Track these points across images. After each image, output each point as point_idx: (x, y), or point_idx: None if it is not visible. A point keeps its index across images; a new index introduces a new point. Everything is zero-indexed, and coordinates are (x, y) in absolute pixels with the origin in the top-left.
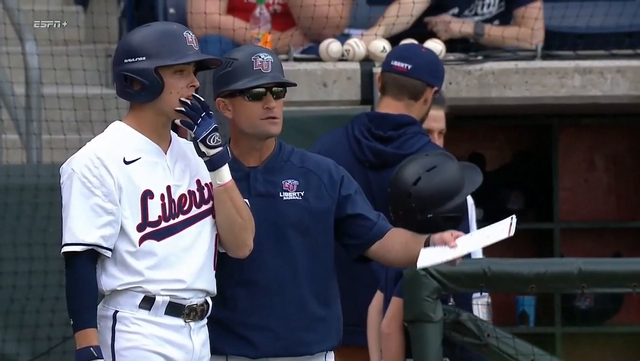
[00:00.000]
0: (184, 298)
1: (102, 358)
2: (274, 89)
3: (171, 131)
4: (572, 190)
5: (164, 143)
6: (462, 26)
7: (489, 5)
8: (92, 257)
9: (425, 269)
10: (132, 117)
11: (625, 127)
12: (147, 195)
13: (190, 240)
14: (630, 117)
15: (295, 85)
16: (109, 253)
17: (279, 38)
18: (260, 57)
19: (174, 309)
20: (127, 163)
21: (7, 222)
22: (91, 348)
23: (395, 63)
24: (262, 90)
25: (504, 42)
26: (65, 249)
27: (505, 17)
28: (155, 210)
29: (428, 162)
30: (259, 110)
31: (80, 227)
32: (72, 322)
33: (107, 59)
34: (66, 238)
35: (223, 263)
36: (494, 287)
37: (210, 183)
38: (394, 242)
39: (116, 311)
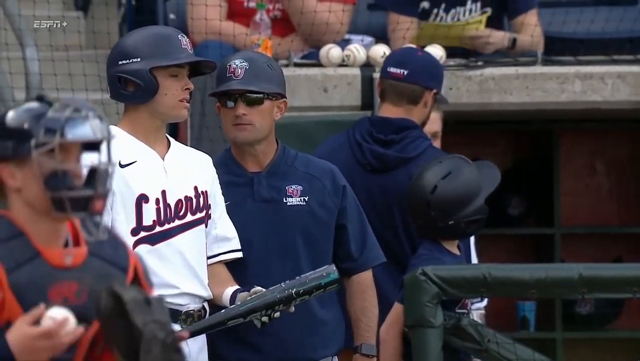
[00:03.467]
0: (181, 305)
1: None
2: (246, 95)
3: (170, 137)
4: (573, 195)
5: (160, 147)
6: (500, 40)
7: (470, 11)
8: None
9: (426, 274)
10: (127, 121)
11: (626, 132)
12: (141, 199)
13: (184, 245)
14: (631, 122)
15: (261, 93)
16: None
17: (279, 43)
18: (234, 63)
19: (171, 315)
20: (122, 166)
21: None
22: None
23: (392, 69)
24: (234, 95)
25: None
26: None
27: (492, 22)
28: (149, 215)
29: (443, 169)
30: (230, 115)
31: None
32: None
33: None
34: None
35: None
36: (495, 292)
37: (206, 191)
38: (355, 295)
39: None
